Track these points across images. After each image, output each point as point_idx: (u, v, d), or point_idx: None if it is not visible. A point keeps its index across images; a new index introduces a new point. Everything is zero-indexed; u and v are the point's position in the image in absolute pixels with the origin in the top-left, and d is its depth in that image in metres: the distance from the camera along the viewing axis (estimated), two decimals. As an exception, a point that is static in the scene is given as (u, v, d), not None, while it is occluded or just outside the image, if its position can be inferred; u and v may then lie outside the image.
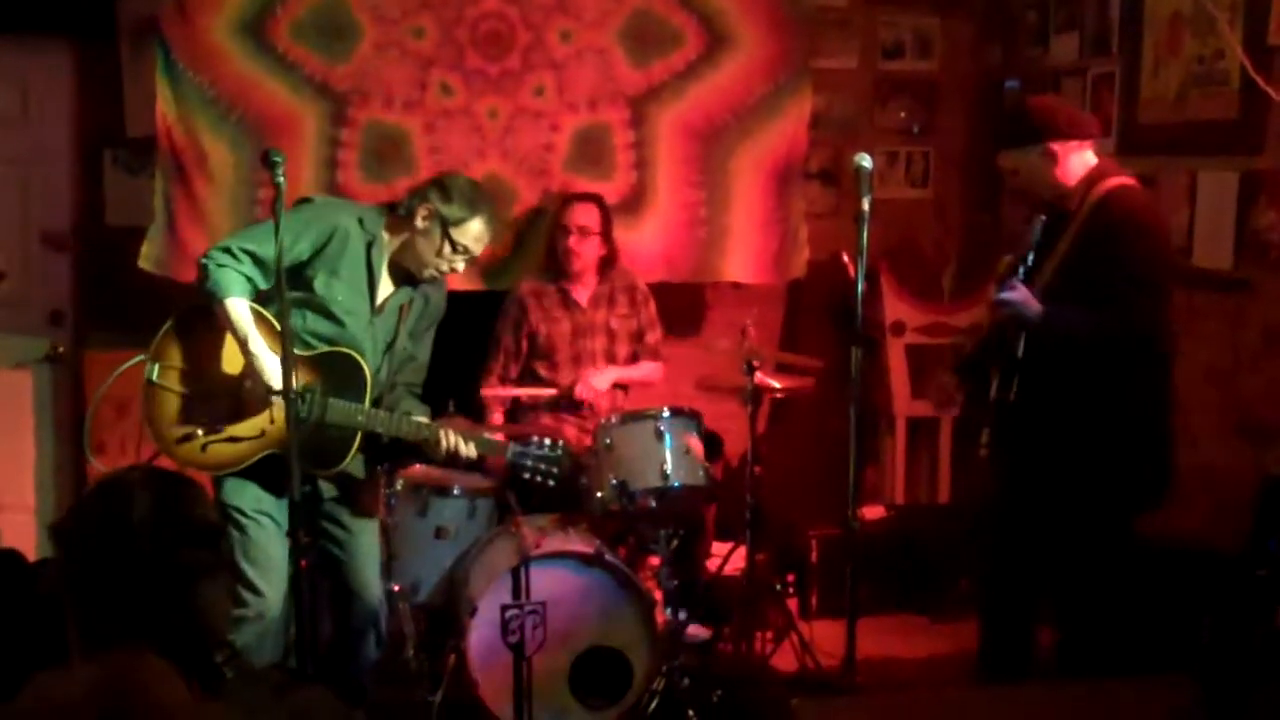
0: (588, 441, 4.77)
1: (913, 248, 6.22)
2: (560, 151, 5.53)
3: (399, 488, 4.57)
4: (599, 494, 4.57)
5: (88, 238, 5.47)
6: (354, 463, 4.00)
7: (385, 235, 3.98)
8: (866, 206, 3.55)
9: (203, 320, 3.84)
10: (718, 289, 5.94)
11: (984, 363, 3.95)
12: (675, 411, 4.65)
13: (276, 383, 3.65)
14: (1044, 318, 3.66)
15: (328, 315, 3.90)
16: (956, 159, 6.31)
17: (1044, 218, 3.69)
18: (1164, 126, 4.99)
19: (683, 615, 4.65)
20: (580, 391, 5.05)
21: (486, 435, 4.05)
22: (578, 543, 4.39)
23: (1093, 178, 3.87)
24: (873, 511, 5.71)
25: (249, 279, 3.79)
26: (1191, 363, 4.78)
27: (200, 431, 3.81)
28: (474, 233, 3.99)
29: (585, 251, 5.12)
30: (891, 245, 6.08)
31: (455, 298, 5.34)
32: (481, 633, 4.22)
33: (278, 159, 3.49)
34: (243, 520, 3.89)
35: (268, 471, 3.85)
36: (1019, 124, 3.99)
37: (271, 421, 3.81)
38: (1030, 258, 3.69)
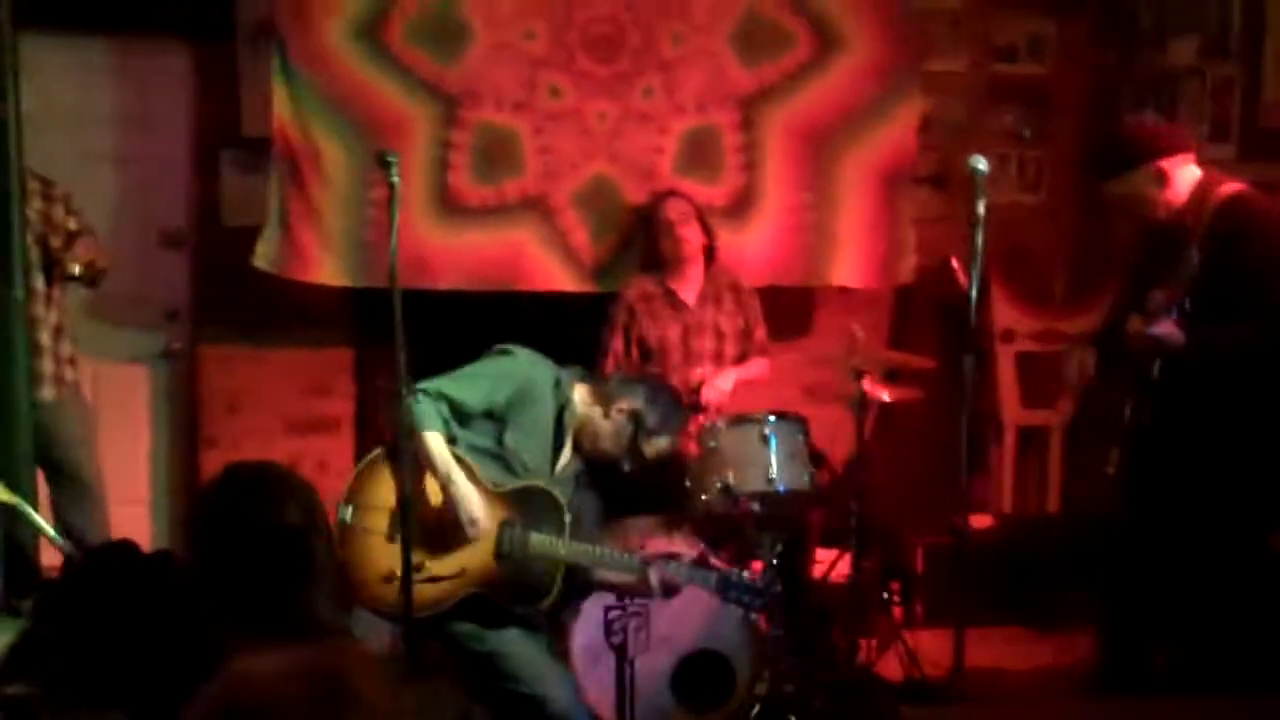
0: (695, 448, 4.75)
1: (1024, 253, 6.12)
2: (669, 154, 5.52)
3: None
4: (703, 496, 4.56)
5: (204, 237, 5.57)
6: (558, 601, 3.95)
7: (578, 401, 3.95)
8: (982, 210, 3.49)
9: (395, 460, 3.76)
10: (824, 293, 5.89)
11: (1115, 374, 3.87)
12: (781, 416, 4.63)
13: (479, 516, 3.69)
14: (1189, 347, 3.56)
15: (508, 468, 3.87)
16: (1069, 163, 6.19)
17: (1198, 251, 3.54)
18: (1287, 131, 4.88)
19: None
20: (707, 395, 5.00)
21: (687, 567, 3.97)
22: (681, 545, 4.37)
23: (1205, 187, 3.77)
24: (980, 520, 5.63)
25: (446, 420, 3.78)
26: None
27: (397, 574, 3.66)
28: (659, 448, 3.97)
29: (691, 237, 5.10)
30: (1002, 251, 5.98)
31: (562, 300, 5.43)
32: (585, 633, 4.23)
33: (391, 159, 3.52)
34: (488, 649, 3.84)
35: (476, 612, 3.81)
36: (1121, 150, 3.91)
37: (467, 563, 3.76)
38: (1188, 299, 3.55)
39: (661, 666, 4.26)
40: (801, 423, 4.65)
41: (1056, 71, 6.16)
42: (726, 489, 4.49)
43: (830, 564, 5.00)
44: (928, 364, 4.87)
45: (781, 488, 4.51)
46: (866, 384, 4.75)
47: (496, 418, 3.84)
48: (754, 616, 4.31)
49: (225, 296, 5.51)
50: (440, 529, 3.76)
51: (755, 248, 5.53)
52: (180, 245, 5.59)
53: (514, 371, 3.86)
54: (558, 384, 3.91)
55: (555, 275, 5.45)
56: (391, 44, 5.27)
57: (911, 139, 5.70)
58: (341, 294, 5.38)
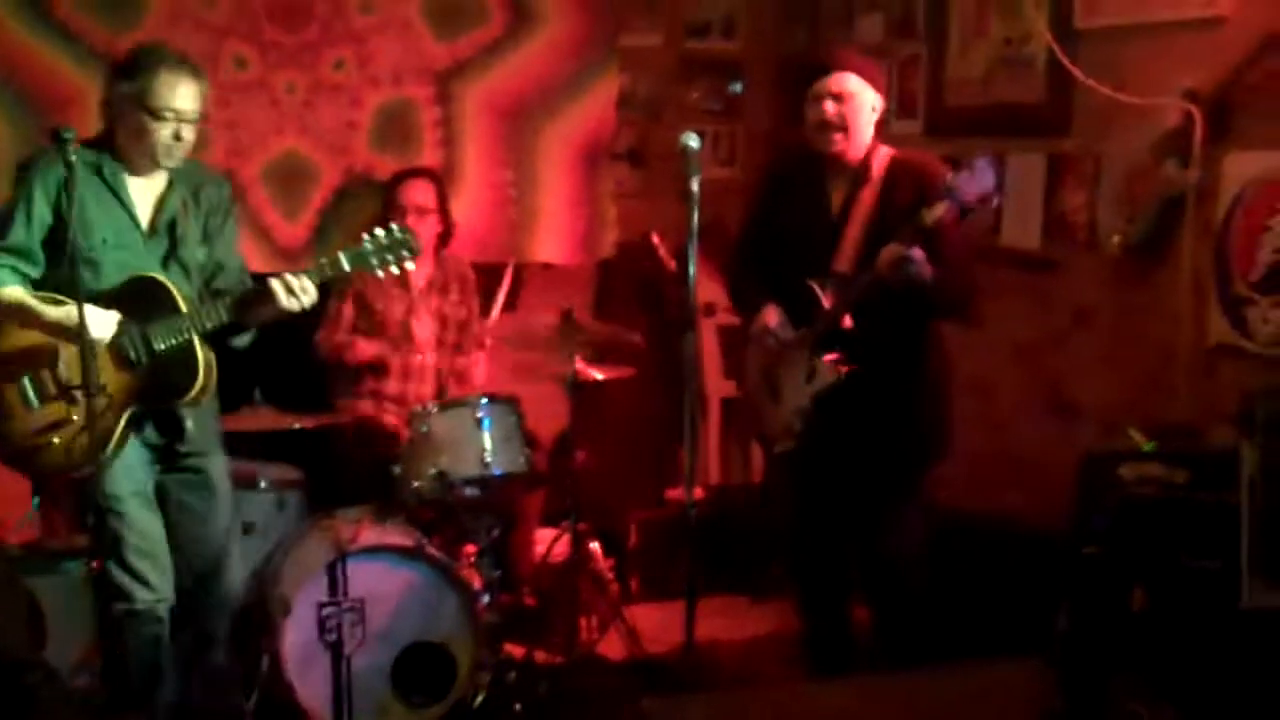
0: (405, 434, 4.60)
1: (721, 227, 6.18)
2: (363, 128, 5.34)
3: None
4: (416, 483, 4.42)
5: None
6: (213, 377, 3.71)
7: (113, 155, 3.64)
8: (695, 187, 3.49)
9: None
10: (527, 270, 5.81)
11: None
12: (493, 398, 4.53)
13: (93, 327, 3.37)
14: (934, 279, 3.59)
15: (99, 265, 3.59)
16: (762, 138, 6.31)
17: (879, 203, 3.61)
18: (971, 108, 5.06)
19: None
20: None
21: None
22: (396, 535, 4.24)
23: (873, 146, 3.89)
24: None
25: (13, 269, 3.52)
26: (1001, 342, 4.88)
27: (55, 439, 3.52)
28: (175, 88, 3.58)
29: (424, 230, 4.93)
30: (701, 225, 6.01)
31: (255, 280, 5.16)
32: (297, 633, 4.04)
33: (68, 135, 3.26)
34: (120, 509, 3.60)
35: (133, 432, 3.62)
36: (875, 70, 3.93)
37: (106, 389, 3.50)
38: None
39: (380, 662, 4.11)
40: (514, 404, 4.57)
41: (747, 48, 6.25)
42: (441, 475, 4.37)
43: (549, 545, 4.95)
44: (640, 344, 4.86)
45: (497, 471, 4.41)
46: (579, 363, 4.70)
47: (56, 233, 3.54)
48: (474, 604, 4.23)
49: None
50: (60, 377, 3.53)
51: (459, 224, 5.39)
52: None
53: (34, 178, 3.55)
54: (79, 154, 3.43)
55: (247, 255, 5.17)
56: (58, 11, 4.90)
57: (609, 114, 5.71)
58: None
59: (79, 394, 3.44)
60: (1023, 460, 4.63)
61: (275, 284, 3.61)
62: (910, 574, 3.93)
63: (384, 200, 5.06)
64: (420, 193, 4.97)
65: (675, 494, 5.72)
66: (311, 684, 4.04)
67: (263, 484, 4.48)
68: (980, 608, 4.16)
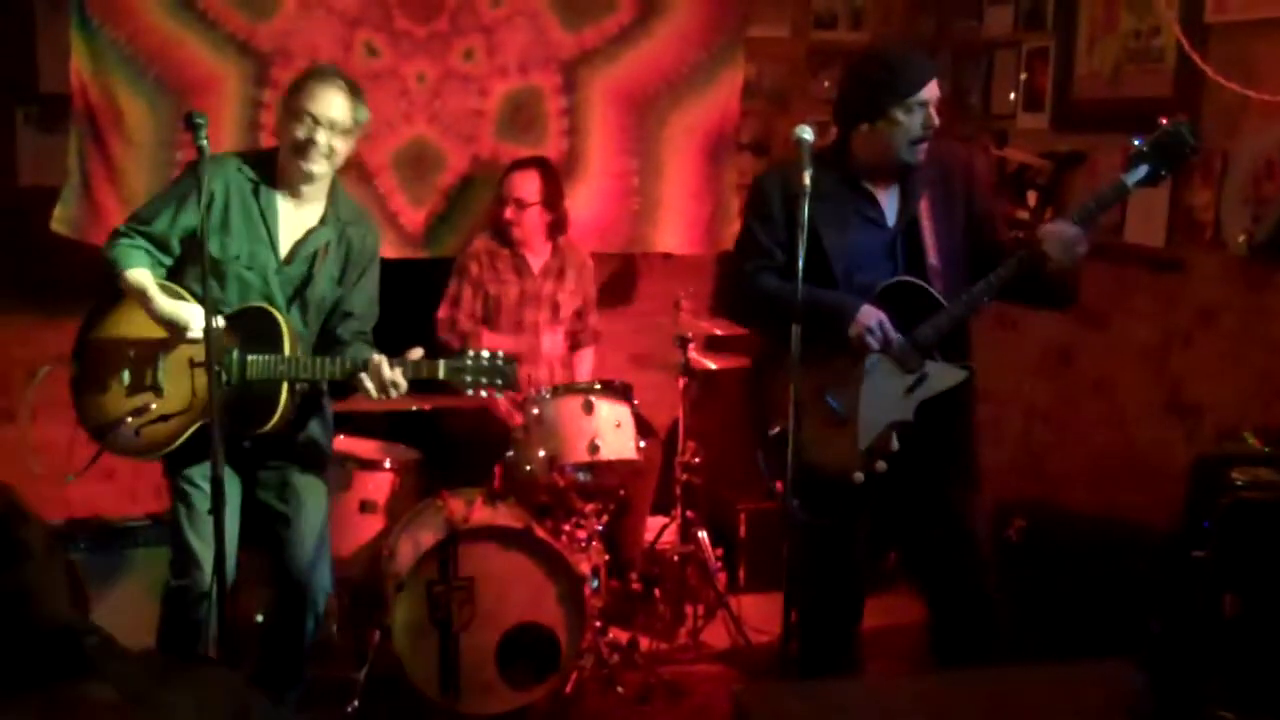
0: (518, 418, 4.67)
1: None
2: (490, 117, 5.40)
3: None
4: (527, 466, 4.50)
5: (-2, 198, 5.26)
6: (289, 418, 3.77)
7: (272, 176, 3.77)
8: (808, 180, 3.44)
9: (108, 308, 3.75)
10: (647, 259, 5.85)
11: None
12: (607, 385, 4.58)
13: (196, 326, 3.55)
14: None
15: (227, 279, 3.73)
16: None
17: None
18: (1098, 102, 4.97)
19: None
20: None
21: (412, 359, 3.68)
22: (506, 518, 4.32)
23: None
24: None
25: (148, 252, 3.70)
26: (1123, 341, 4.81)
27: (129, 419, 3.68)
28: (316, 94, 3.69)
29: (525, 221, 5.02)
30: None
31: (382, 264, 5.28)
32: (408, 609, 4.14)
33: (200, 121, 3.37)
34: (189, 490, 3.76)
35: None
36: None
37: (195, 393, 3.67)
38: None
39: (486, 641, 4.20)
40: (627, 391, 4.61)
41: (875, 40, 6.20)
42: (551, 459, 4.44)
43: (658, 532, 4.99)
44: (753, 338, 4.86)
45: (607, 457, 4.46)
46: (692, 352, 4.73)
47: (194, 236, 3.66)
48: (580, 588, 4.28)
49: (21, 261, 5.21)
50: (158, 368, 3.71)
51: (581, 214, 5.43)
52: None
53: (193, 185, 3.60)
54: (241, 170, 3.72)
55: (373, 242, 5.30)
56: (198, -1, 5.05)
57: (734, 105, 5.68)
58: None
59: (165, 390, 3.69)
60: (1141, 462, 4.54)
61: (368, 381, 3.63)
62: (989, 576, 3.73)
63: (498, 188, 5.14)
64: (522, 185, 5.02)
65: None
66: (420, 660, 4.14)
67: (386, 464, 4.59)
68: (1081, 607, 4.09)
